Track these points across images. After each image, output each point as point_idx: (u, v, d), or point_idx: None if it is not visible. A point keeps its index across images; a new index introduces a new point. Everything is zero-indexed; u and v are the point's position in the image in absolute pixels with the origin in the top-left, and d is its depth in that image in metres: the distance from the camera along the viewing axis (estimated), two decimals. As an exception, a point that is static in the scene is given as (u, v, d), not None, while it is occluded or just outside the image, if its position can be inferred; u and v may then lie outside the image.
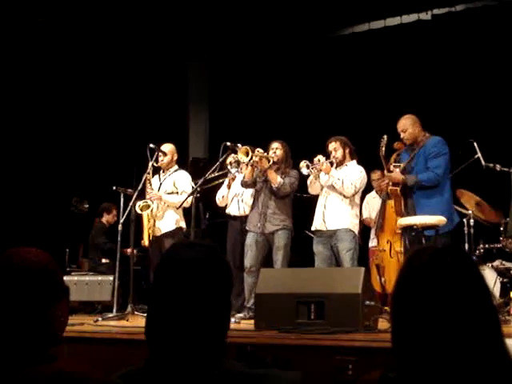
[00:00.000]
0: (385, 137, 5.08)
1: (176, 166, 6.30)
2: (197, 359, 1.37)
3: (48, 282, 1.49)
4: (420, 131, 5.18)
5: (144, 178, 5.90)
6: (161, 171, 6.27)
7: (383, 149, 5.09)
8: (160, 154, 6.07)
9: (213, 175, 5.82)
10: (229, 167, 5.89)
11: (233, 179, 6.20)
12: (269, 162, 5.77)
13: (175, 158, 6.30)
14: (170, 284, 1.41)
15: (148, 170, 5.94)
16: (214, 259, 1.46)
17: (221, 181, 6.35)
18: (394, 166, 5.24)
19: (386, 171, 5.12)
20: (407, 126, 5.17)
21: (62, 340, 1.52)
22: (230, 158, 5.86)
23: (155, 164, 6.04)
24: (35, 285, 1.46)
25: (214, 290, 1.42)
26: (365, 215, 6.81)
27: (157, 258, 6.07)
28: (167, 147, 6.22)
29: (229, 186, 6.27)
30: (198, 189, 5.62)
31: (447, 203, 5.10)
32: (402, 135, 5.21)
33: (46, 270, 1.50)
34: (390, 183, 5.21)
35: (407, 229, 5.08)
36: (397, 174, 5.13)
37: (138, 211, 5.88)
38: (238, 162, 5.81)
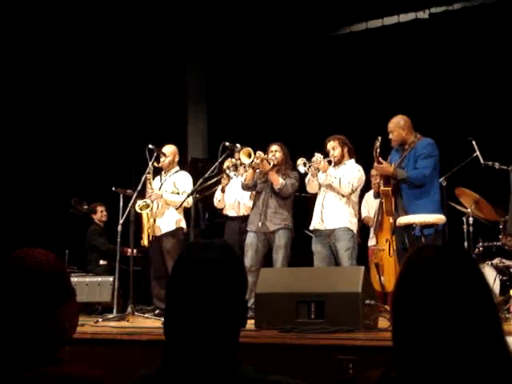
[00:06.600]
0: (379, 138, 5.10)
1: (177, 167, 6.30)
2: (212, 360, 1.37)
3: (58, 283, 1.50)
4: (409, 133, 5.19)
5: (144, 178, 5.88)
6: (162, 172, 6.26)
7: (378, 150, 5.09)
8: (160, 154, 6.07)
9: (210, 181, 5.83)
10: (227, 171, 5.91)
11: (226, 183, 6.27)
12: (269, 164, 5.80)
13: (176, 159, 6.31)
14: (188, 284, 1.41)
15: (148, 170, 5.92)
16: (231, 259, 1.46)
17: (217, 185, 6.37)
18: None
19: (375, 163, 5.13)
20: (394, 127, 5.21)
21: (71, 340, 1.52)
22: (228, 163, 5.89)
23: (156, 164, 6.04)
24: (47, 285, 1.47)
25: (231, 291, 1.43)
26: (364, 214, 6.80)
27: (157, 257, 6.08)
28: (169, 148, 6.22)
29: (223, 190, 6.34)
30: (197, 190, 5.64)
31: (437, 204, 5.13)
32: (390, 136, 5.25)
33: (57, 271, 1.51)
34: (382, 184, 5.22)
35: (406, 227, 5.07)
36: (388, 166, 5.15)
37: (138, 210, 5.88)
38: (235, 166, 5.85)
